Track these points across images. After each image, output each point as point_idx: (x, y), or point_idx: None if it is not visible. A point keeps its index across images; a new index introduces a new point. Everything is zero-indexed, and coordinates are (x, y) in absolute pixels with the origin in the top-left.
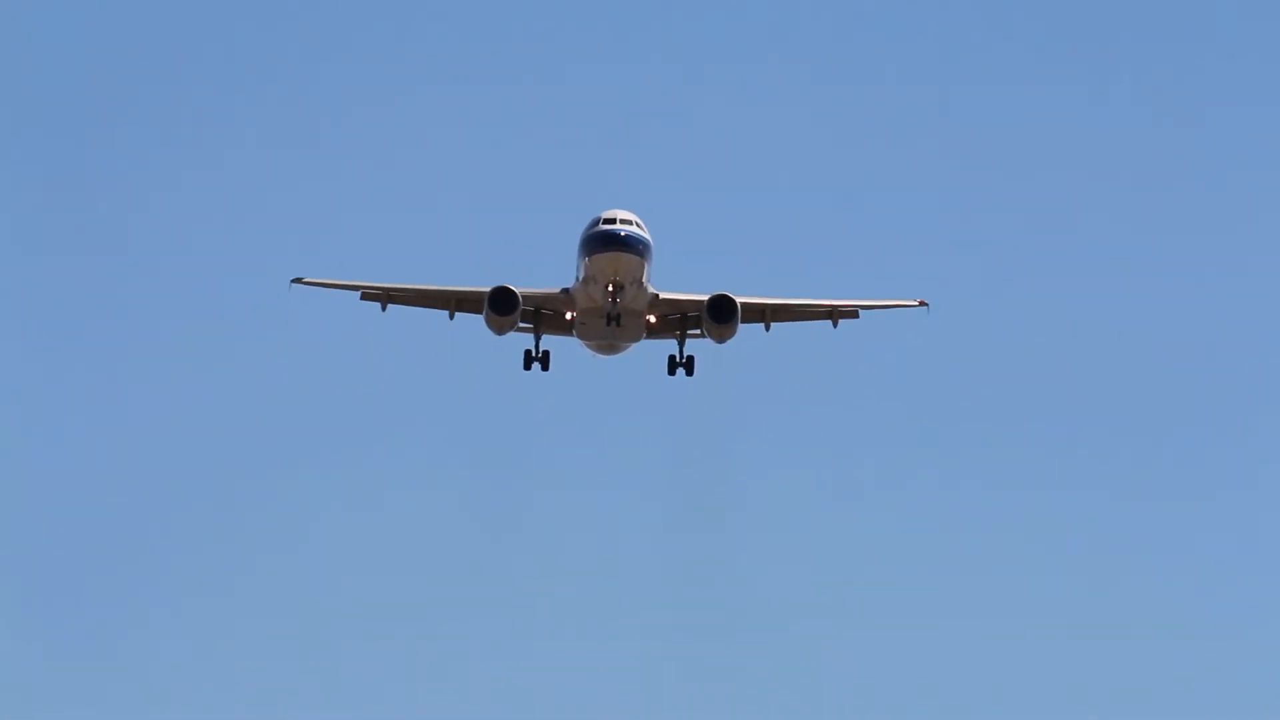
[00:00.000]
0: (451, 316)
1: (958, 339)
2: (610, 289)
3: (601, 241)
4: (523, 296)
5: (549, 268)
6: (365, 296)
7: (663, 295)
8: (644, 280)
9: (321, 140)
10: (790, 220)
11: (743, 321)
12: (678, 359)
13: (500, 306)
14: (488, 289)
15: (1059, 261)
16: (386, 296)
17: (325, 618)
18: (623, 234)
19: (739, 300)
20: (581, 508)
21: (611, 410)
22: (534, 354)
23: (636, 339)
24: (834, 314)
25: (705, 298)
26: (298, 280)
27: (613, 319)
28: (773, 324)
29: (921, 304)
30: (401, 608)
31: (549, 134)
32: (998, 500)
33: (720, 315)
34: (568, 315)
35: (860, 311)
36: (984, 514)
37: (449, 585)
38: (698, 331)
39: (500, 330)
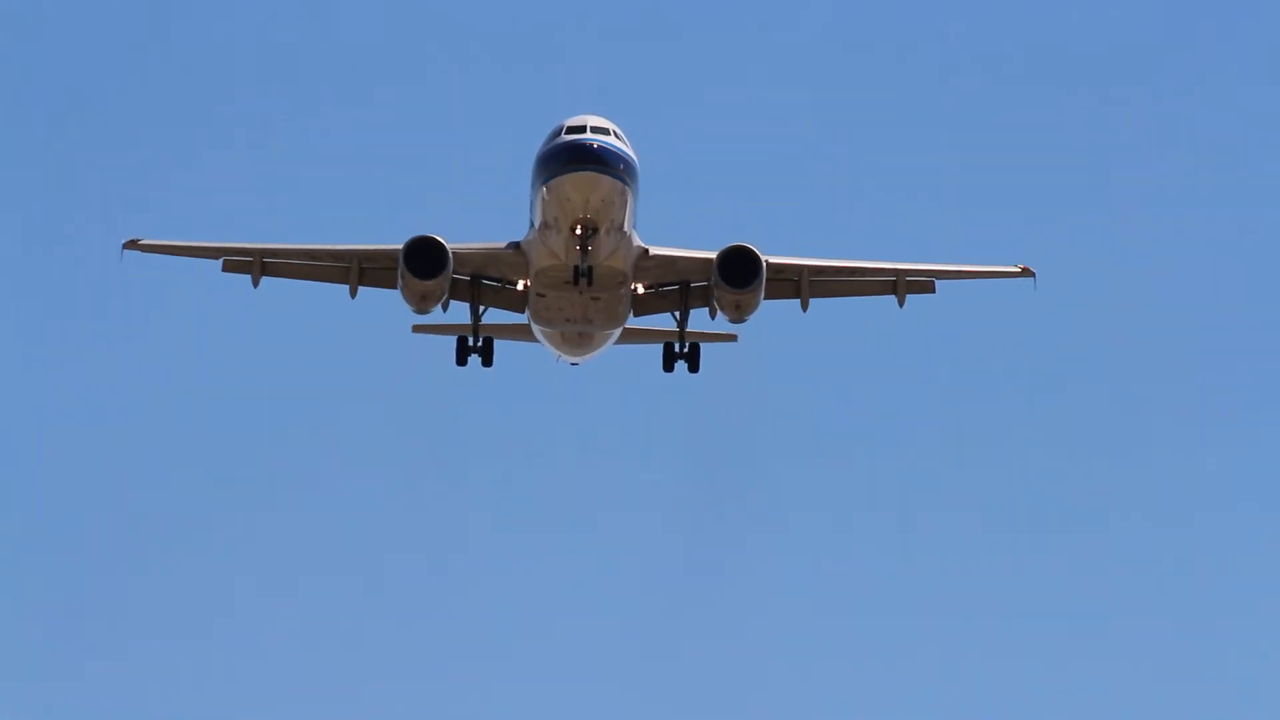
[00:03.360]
0: (354, 291)
1: (1074, 321)
2: (578, 231)
3: (565, 156)
4: (455, 254)
5: (493, 232)
6: (229, 266)
7: (654, 251)
8: (625, 224)
9: (178, 61)
10: (840, 166)
11: (771, 295)
12: (677, 348)
13: (421, 266)
14: (402, 245)
15: (1202, 215)
16: (259, 265)
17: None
18: (595, 145)
19: (765, 259)
20: (539, 551)
21: (583, 421)
22: (472, 343)
23: (618, 321)
24: (900, 285)
25: (714, 255)
26: (133, 244)
27: (582, 274)
28: (812, 298)
29: (1025, 272)
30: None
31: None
32: (1141, 549)
33: (737, 277)
34: (519, 285)
35: (937, 283)
36: (1119, 565)
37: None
38: (705, 309)
39: (424, 304)
